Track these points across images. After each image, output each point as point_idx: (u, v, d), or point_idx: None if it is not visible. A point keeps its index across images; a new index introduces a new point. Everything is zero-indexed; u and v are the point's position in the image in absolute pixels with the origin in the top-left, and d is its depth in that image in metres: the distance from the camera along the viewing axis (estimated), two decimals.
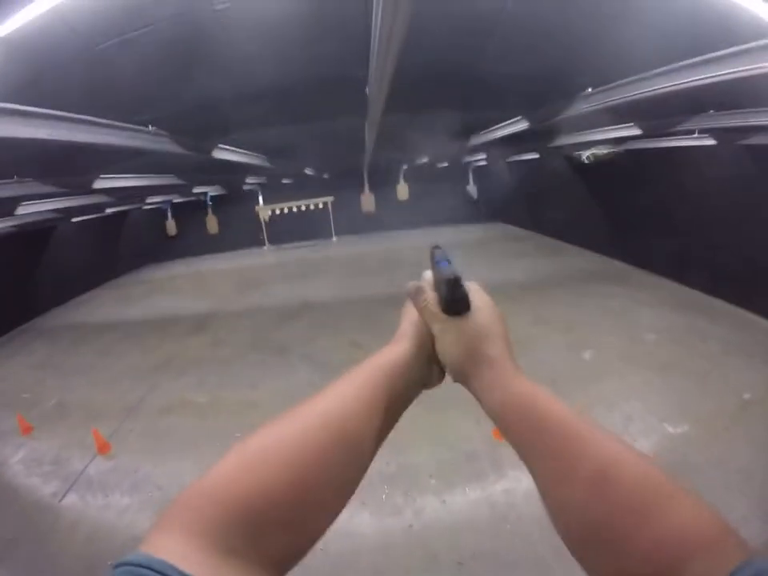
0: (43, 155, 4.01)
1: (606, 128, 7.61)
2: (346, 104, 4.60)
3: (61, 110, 2.82)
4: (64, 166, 4.89)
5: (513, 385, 0.69)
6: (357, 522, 4.37)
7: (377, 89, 3.31)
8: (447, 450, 5.17)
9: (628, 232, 11.01)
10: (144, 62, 3.06)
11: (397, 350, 0.76)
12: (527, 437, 0.64)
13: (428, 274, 0.87)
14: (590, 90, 4.65)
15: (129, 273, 19.71)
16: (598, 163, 10.42)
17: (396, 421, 0.73)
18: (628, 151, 9.84)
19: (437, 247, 0.92)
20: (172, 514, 0.48)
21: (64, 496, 5.30)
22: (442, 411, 5.36)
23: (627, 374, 6.05)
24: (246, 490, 0.50)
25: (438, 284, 0.79)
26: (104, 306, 14.99)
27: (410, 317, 0.83)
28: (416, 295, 0.80)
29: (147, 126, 3.71)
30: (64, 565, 4.35)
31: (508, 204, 18.67)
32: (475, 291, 0.79)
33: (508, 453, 4.48)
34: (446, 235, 18.56)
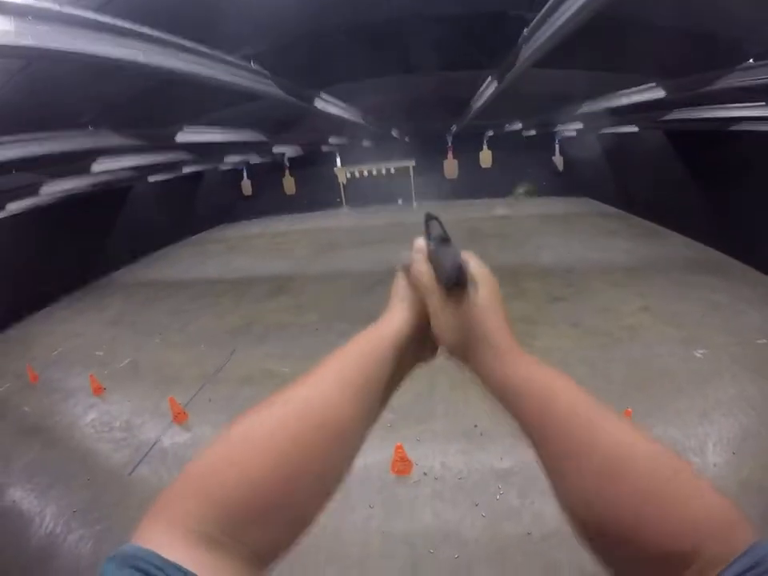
0: (125, 93, 3.51)
1: (734, 105, 6.71)
2: (481, 49, 3.88)
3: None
4: (146, 109, 4.40)
5: (516, 363, 0.66)
6: (467, 524, 3.91)
7: (543, 34, 2.72)
8: None
9: (731, 221, 9.94)
10: None
11: (387, 326, 0.74)
12: (533, 418, 0.61)
13: (420, 243, 0.79)
14: (751, 61, 3.91)
15: (204, 231, 19.94)
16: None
17: (387, 401, 0.71)
18: (740, 133, 8.69)
19: (432, 217, 0.84)
20: (158, 506, 0.49)
21: (135, 468, 5.03)
22: None
23: (742, 380, 5.48)
24: (226, 481, 0.50)
25: (433, 255, 0.75)
26: (178, 263, 15.11)
27: (402, 290, 0.79)
28: (410, 268, 0.77)
29: (249, 62, 3.12)
30: None
31: (596, 179, 17.57)
32: (473, 263, 0.75)
33: None
34: (531, 207, 17.65)
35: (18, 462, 5.40)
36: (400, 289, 0.80)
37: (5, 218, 9.88)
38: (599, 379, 5.54)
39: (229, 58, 2.83)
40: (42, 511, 4.57)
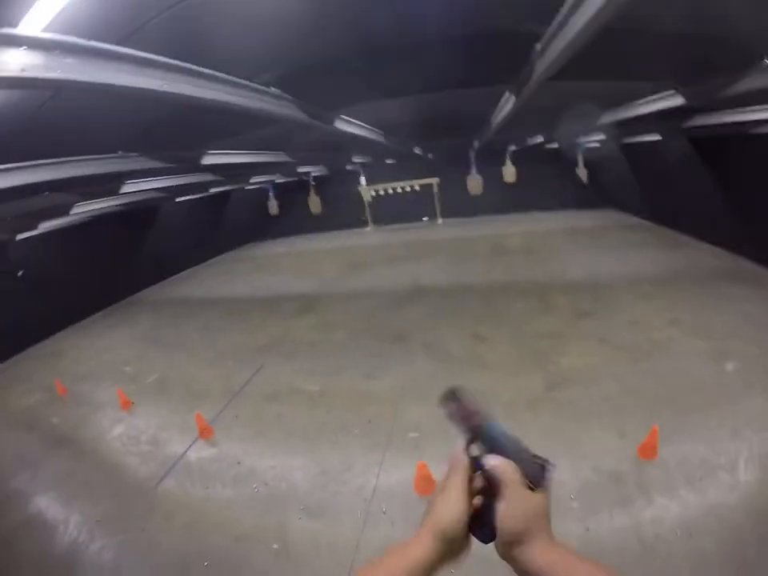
0: (152, 118, 3.65)
1: (755, 107, 6.59)
2: (496, 66, 3.91)
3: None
4: (173, 133, 4.56)
5: (557, 550, 0.80)
6: (490, 548, 3.72)
7: (556, 48, 2.71)
8: (589, 468, 4.39)
9: (760, 228, 9.55)
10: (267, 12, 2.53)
11: (419, 550, 0.82)
12: None
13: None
14: (766, 61, 3.88)
15: (231, 251, 20.30)
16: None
17: None
18: (765, 135, 8.33)
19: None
20: None
21: (161, 480, 5.10)
22: (583, 421, 5.06)
23: None
24: None
25: (516, 457, 0.87)
26: (206, 282, 15.39)
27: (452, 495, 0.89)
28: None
29: (268, 87, 3.22)
30: (157, 554, 4.09)
31: (621, 190, 17.32)
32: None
33: (656, 475, 4.36)
34: (557, 221, 17.45)
35: (45, 472, 5.56)
36: (452, 494, 0.89)
37: (37, 235, 10.34)
38: (628, 395, 5.41)
39: (247, 83, 2.93)
40: (67, 520, 4.67)
